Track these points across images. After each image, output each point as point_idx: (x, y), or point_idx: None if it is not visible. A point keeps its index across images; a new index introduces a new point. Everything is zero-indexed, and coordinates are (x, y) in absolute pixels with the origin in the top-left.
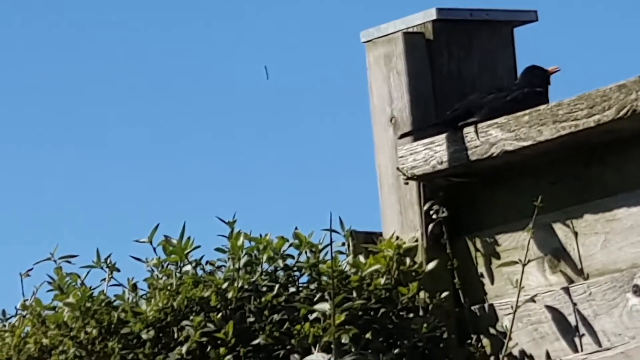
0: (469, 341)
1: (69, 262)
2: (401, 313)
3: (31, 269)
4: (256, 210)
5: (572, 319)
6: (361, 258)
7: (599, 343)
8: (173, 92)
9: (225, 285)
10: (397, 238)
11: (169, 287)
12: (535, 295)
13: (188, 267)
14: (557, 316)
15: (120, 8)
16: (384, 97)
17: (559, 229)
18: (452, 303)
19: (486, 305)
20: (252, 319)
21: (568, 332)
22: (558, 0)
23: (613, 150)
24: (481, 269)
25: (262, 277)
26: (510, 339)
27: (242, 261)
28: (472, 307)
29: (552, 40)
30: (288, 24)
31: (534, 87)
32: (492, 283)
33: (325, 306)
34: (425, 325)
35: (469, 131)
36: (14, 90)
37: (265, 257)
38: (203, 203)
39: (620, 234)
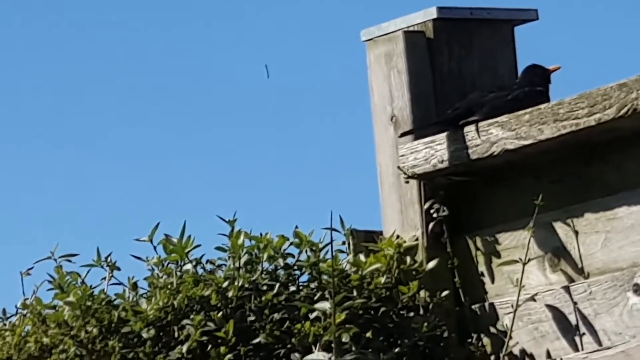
0: (469, 340)
1: (70, 261)
2: (402, 312)
3: (31, 268)
4: (256, 209)
5: (572, 318)
6: (361, 257)
7: (599, 342)
8: (173, 92)
9: (225, 284)
10: (398, 237)
11: (169, 286)
12: (536, 294)
13: (188, 266)
14: (558, 315)
15: (120, 8)
16: (384, 95)
17: (560, 227)
18: (453, 302)
19: (486, 304)
20: (252, 318)
21: (568, 331)
22: None
23: (614, 149)
24: (482, 267)
25: (263, 276)
26: (510, 338)
27: (243, 260)
28: (473, 306)
29: (552, 39)
30: (288, 23)
31: (534, 86)
32: (493, 282)
33: (325, 305)
34: (425, 324)
35: (469, 130)
36: (14, 90)
37: (265, 256)
38: (203, 202)
39: (620, 233)
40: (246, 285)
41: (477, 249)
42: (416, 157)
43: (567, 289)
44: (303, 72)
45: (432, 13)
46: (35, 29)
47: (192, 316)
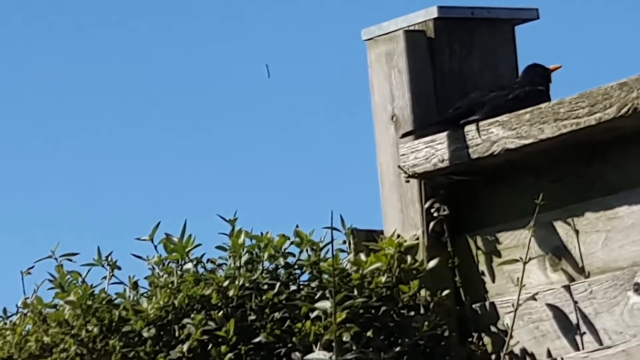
0: (470, 339)
1: (70, 260)
2: (402, 311)
3: (32, 267)
4: (257, 208)
5: (573, 317)
6: (362, 256)
7: (600, 341)
8: (173, 92)
9: (226, 283)
10: (398, 236)
11: (170, 285)
12: (537, 294)
13: (189, 265)
14: (558, 314)
15: (120, 8)
16: (385, 95)
17: (560, 227)
18: (453, 301)
19: (487, 303)
20: (253, 317)
21: (569, 330)
22: None
23: (614, 148)
24: (482, 267)
25: (263, 275)
26: (511, 337)
27: (243, 259)
28: (473, 305)
29: (553, 39)
30: (288, 23)
31: (535, 86)
32: (493, 281)
33: (326, 304)
34: (426, 323)
35: (470, 129)
36: (14, 90)
37: (266, 255)
38: (204, 201)
39: (621, 232)
40: (247, 285)
41: (478, 248)
42: (417, 157)
43: (567, 288)
44: (303, 72)
45: (432, 12)
46: (35, 29)
47: (192, 315)
